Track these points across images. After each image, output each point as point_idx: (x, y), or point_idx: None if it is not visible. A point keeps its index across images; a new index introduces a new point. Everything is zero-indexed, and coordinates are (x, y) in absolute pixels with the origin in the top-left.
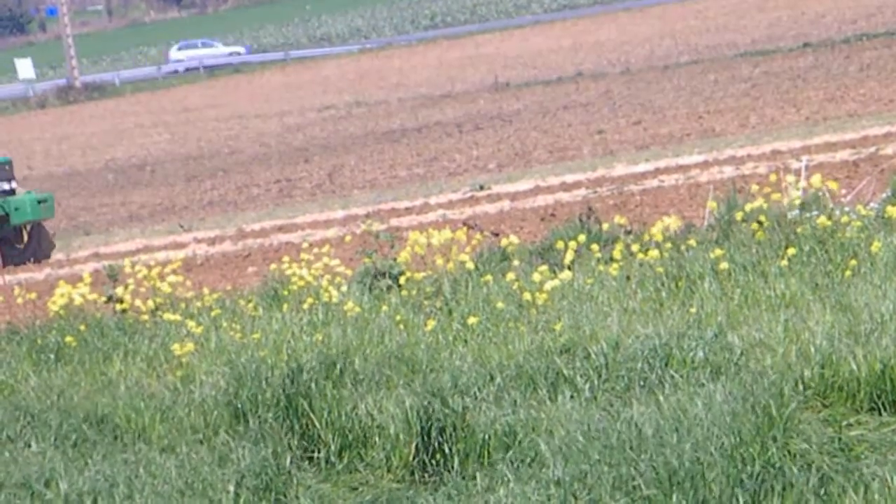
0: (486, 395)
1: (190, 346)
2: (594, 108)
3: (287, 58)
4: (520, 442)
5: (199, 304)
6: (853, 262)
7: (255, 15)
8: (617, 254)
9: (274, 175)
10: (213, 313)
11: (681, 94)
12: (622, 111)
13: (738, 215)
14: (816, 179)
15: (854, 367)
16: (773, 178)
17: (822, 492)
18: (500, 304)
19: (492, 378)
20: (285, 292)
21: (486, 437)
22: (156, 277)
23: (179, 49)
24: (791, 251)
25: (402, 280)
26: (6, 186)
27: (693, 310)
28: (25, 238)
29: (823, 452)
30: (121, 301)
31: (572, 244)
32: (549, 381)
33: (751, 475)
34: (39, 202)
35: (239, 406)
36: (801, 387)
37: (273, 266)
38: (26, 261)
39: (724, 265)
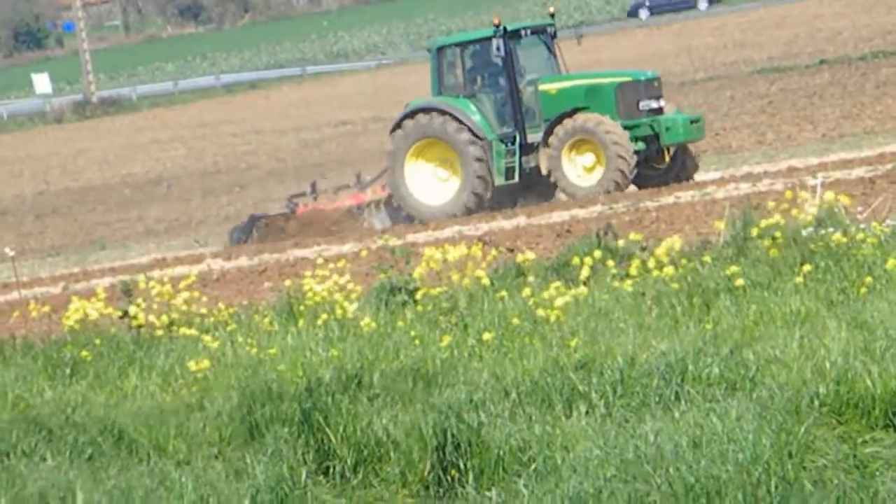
0: (501, 410)
1: (206, 361)
2: None
3: (304, 73)
4: (535, 458)
5: (214, 318)
6: (868, 278)
7: (272, 30)
8: (633, 270)
9: (290, 190)
10: (228, 328)
11: (697, 110)
12: None
13: (754, 232)
14: (832, 196)
15: (869, 383)
16: (788, 194)
17: None
18: (515, 320)
19: (507, 394)
20: (301, 307)
21: (502, 452)
22: (171, 292)
23: None
24: (806, 268)
25: (417, 296)
26: (654, 105)
27: (708, 326)
28: (667, 159)
29: (839, 469)
30: (136, 316)
31: (588, 260)
32: (565, 397)
33: (767, 491)
34: (692, 122)
35: (254, 421)
36: (816, 403)
37: (289, 281)
38: (667, 182)
39: (739, 282)
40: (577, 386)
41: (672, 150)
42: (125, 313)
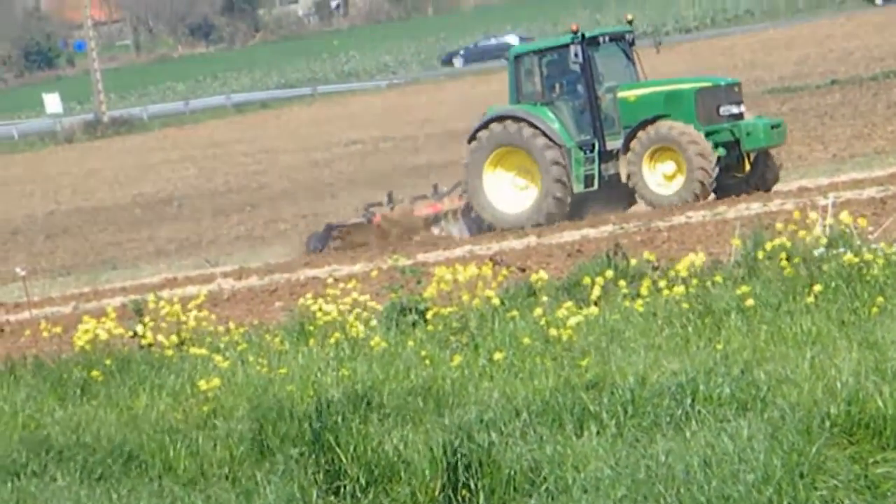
0: (512, 430)
1: (216, 380)
2: None
3: (314, 93)
4: (546, 478)
5: (225, 338)
6: (880, 299)
7: (282, 50)
8: (644, 290)
9: (301, 210)
10: (239, 348)
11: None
12: None
13: (765, 252)
14: (843, 216)
15: (881, 404)
16: (799, 214)
17: None
18: (526, 340)
19: (518, 413)
20: (312, 327)
21: (513, 472)
22: (181, 312)
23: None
24: (817, 288)
25: (428, 315)
26: (735, 110)
27: (719, 346)
28: (747, 166)
29: (850, 490)
30: (146, 335)
31: (599, 280)
32: (576, 417)
33: None
34: (772, 127)
35: (265, 441)
36: (827, 424)
37: (300, 301)
38: (747, 191)
39: (750, 302)
40: (588, 406)
41: (752, 157)
42: (136, 333)
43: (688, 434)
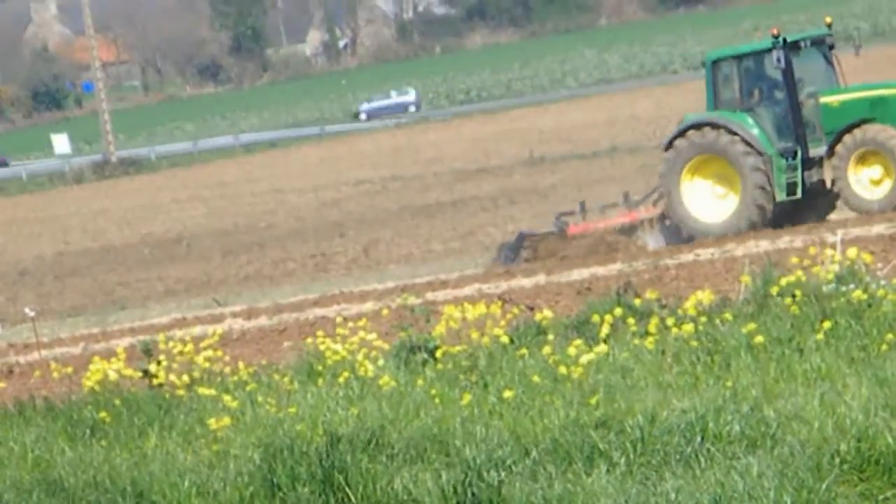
0: (521, 469)
1: (226, 420)
2: (630, 182)
3: (323, 133)
4: None
5: (234, 378)
6: (889, 335)
7: (291, 90)
8: (652, 328)
9: (310, 250)
10: (248, 387)
11: None
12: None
13: (774, 289)
14: (852, 253)
15: (891, 440)
16: (809, 251)
17: None
18: (535, 378)
19: (527, 452)
20: (321, 367)
21: None
22: (191, 352)
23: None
24: (827, 325)
25: (437, 354)
26: None
27: (729, 383)
28: None
29: None
30: (156, 376)
31: (608, 318)
32: (585, 455)
33: None
34: None
35: (275, 480)
36: (837, 460)
37: (309, 340)
38: None
39: (759, 339)
40: (597, 444)
41: None
42: (145, 373)
43: (697, 472)
